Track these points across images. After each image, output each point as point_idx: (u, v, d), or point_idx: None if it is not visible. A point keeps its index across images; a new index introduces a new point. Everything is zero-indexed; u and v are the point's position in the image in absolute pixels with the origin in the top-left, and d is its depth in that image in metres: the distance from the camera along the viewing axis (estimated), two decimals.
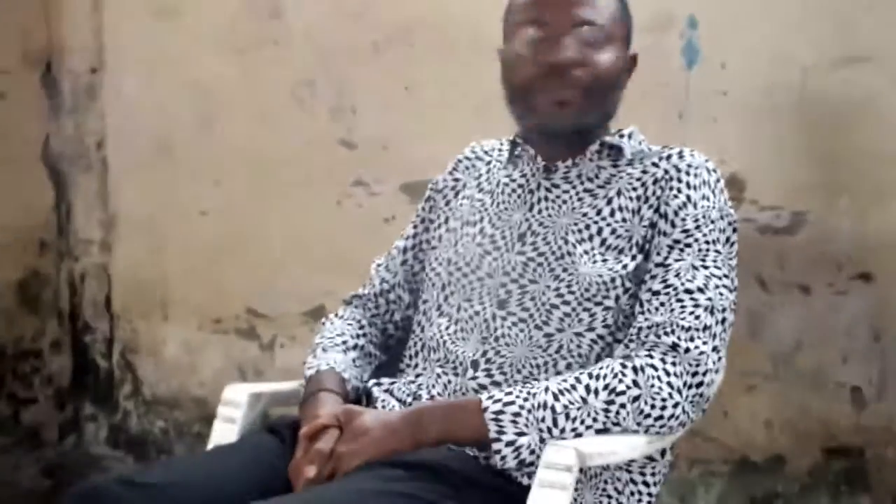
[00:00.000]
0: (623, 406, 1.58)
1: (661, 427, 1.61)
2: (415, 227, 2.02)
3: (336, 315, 2.00)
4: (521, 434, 1.55)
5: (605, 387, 1.58)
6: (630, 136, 1.84)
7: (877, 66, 2.39)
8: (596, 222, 1.73)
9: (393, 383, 1.84)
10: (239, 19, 3.13)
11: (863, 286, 2.42)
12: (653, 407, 1.59)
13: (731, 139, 2.51)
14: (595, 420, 1.57)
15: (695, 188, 1.75)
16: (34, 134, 3.43)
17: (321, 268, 2.96)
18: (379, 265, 2.03)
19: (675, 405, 1.60)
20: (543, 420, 1.56)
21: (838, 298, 2.44)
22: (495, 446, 1.55)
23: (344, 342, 1.91)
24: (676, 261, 1.68)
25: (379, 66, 2.86)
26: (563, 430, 1.56)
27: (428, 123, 2.77)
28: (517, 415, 1.56)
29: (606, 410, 1.58)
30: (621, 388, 1.58)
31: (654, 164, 1.78)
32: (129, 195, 3.42)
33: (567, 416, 1.56)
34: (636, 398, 1.58)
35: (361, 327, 1.96)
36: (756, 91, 2.50)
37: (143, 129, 3.36)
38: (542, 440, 1.55)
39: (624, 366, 1.60)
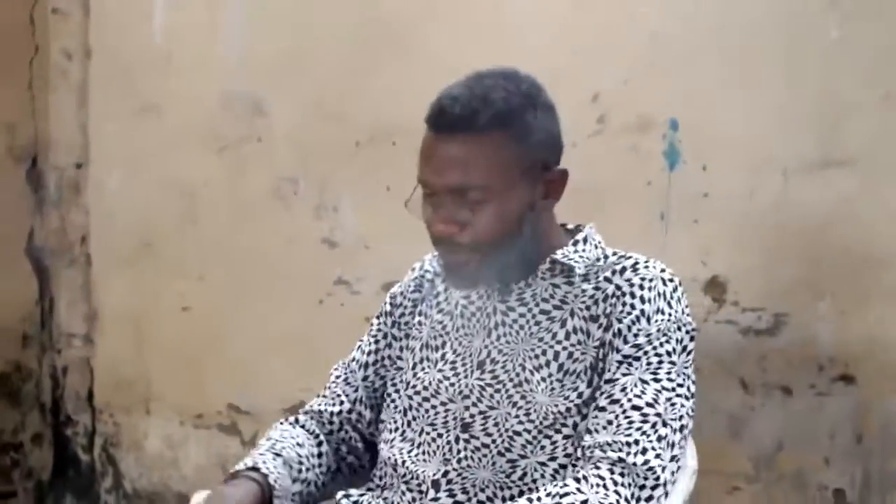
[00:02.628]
0: None
1: None
2: (376, 341, 1.96)
3: (289, 422, 1.94)
4: None
5: (549, 494, 1.53)
6: (585, 241, 1.78)
7: (855, 169, 2.40)
8: (552, 346, 1.68)
9: (362, 495, 1.81)
10: (221, 117, 3.12)
11: (844, 388, 2.42)
12: None
13: (712, 241, 2.50)
14: None
15: (649, 301, 1.69)
16: (18, 228, 3.43)
17: (302, 365, 2.93)
18: (338, 377, 1.97)
19: None
20: None
21: (820, 400, 2.43)
22: None
23: (283, 447, 1.85)
24: (624, 375, 1.61)
25: (360, 165, 2.86)
26: None
27: (409, 223, 2.73)
28: None
29: None
30: (568, 497, 1.53)
31: (607, 280, 1.72)
32: (112, 290, 3.40)
33: None
34: (584, 502, 1.52)
35: (314, 440, 1.92)
36: (737, 193, 2.51)
37: (126, 224, 3.35)
38: None
39: (573, 479, 1.56)
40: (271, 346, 3.02)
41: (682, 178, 2.53)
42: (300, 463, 1.84)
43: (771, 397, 2.45)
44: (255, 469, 1.75)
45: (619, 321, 1.66)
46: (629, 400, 1.60)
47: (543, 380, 1.57)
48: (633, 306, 1.67)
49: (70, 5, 3.38)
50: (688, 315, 1.72)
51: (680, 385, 1.65)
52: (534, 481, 1.67)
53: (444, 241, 1.70)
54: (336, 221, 2.95)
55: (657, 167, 2.53)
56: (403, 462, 1.76)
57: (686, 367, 1.68)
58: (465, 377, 1.75)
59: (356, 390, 1.94)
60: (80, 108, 3.39)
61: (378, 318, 1.97)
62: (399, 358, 1.89)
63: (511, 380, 1.70)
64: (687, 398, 1.65)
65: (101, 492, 3.40)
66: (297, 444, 1.86)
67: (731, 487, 2.47)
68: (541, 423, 1.64)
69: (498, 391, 1.71)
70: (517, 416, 1.68)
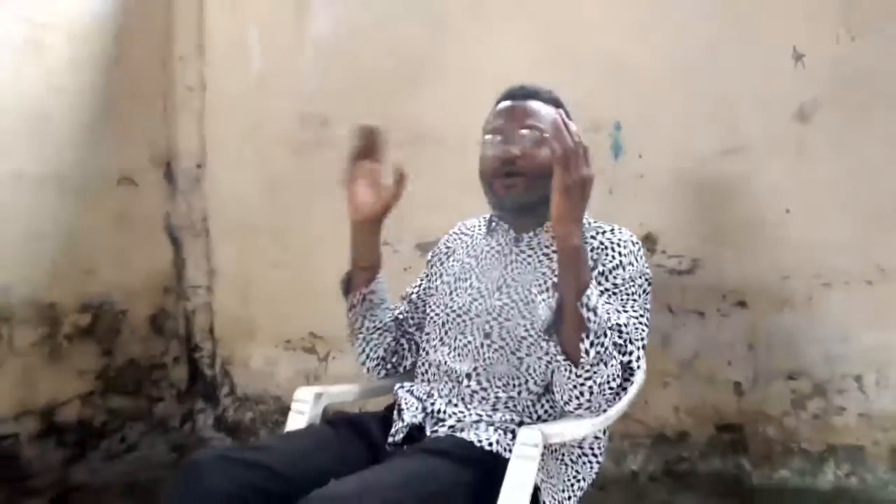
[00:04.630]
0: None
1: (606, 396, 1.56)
2: (421, 280, 2.01)
3: None
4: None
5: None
6: None
7: (748, 154, 2.41)
8: (551, 277, 1.65)
9: (413, 386, 1.82)
10: (299, 129, 3.11)
11: (740, 311, 2.45)
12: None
13: (647, 209, 2.52)
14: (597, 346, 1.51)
15: (624, 255, 1.70)
16: (158, 211, 3.41)
17: None
18: (403, 297, 2.01)
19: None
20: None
21: (724, 320, 2.47)
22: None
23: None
24: (606, 302, 1.62)
25: (399, 158, 2.84)
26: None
27: (432, 199, 2.75)
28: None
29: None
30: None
31: (593, 237, 1.73)
32: (224, 254, 3.39)
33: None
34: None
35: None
36: (664, 174, 2.53)
37: (233, 207, 3.34)
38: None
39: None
40: (337, 290, 3.01)
41: (624, 165, 2.55)
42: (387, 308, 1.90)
43: (689, 318, 2.48)
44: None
45: (603, 265, 1.67)
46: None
47: (544, 300, 1.58)
48: (612, 257, 1.68)
49: (190, 53, 3.36)
50: (647, 267, 1.74)
51: (641, 315, 1.66)
52: (535, 371, 1.69)
53: (507, 162, 1.72)
54: None
55: (606, 157, 2.55)
56: (444, 361, 1.77)
57: (646, 304, 1.69)
58: (487, 298, 1.76)
59: (411, 305, 1.97)
60: (199, 125, 3.37)
61: (426, 265, 1.99)
62: (436, 289, 1.89)
63: (521, 300, 1.72)
64: (646, 325, 1.66)
65: (220, 397, 3.42)
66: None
67: (663, 382, 2.51)
68: (540, 331, 1.63)
69: (511, 308, 1.72)
70: (524, 326, 1.69)
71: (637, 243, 1.75)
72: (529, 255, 1.78)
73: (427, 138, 2.85)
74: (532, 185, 1.73)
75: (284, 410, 3.10)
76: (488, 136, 1.77)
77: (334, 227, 3.02)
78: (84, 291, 3.14)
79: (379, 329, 1.90)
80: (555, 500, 1.62)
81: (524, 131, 1.73)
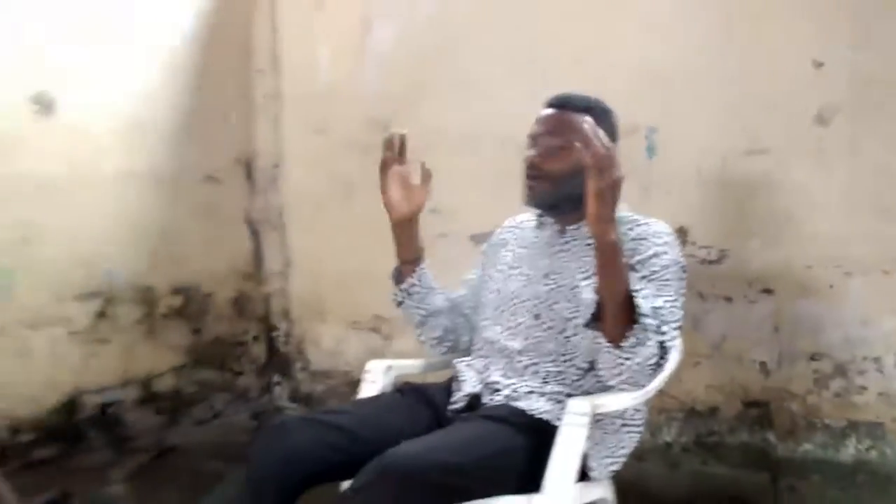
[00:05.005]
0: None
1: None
2: (478, 268, 2.06)
3: None
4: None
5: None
6: None
7: (772, 154, 2.42)
8: (593, 267, 1.69)
9: (470, 360, 1.87)
10: (365, 132, 3.15)
11: (766, 297, 2.45)
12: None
13: (679, 204, 2.54)
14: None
15: (660, 245, 1.73)
16: (240, 206, 3.48)
17: None
18: (462, 282, 2.06)
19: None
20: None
21: (750, 305, 2.47)
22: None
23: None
24: (642, 288, 1.65)
25: (454, 161, 2.88)
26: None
27: (483, 196, 2.81)
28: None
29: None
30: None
31: (631, 229, 1.76)
32: (298, 244, 3.45)
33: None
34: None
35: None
36: (694, 173, 2.53)
37: (305, 202, 3.40)
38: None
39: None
40: None
41: (658, 165, 2.57)
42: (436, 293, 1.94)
43: (718, 304, 2.50)
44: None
45: (641, 254, 1.70)
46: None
47: (587, 286, 1.60)
48: (649, 247, 1.72)
49: (267, 66, 3.42)
50: (681, 256, 1.77)
51: (676, 300, 1.69)
52: (580, 349, 1.73)
53: (531, 166, 1.77)
54: (439, 198, 2.94)
55: (641, 157, 2.57)
56: (498, 340, 1.82)
57: (680, 289, 1.72)
58: (536, 285, 1.81)
59: (467, 292, 2.02)
60: (275, 130, 3.44)
61: (482, 254, 2.04)
62: (490, 276, 1.94)
63: (566, 285, 1.76)
64: (680, 308, 1.69)
65: (295, 371, 3.48)
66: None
67: (695, 362, 2.53)
68: (584, 313, 1.66)
69: (558, 292, 1.77)
70: (569, 308, 1.74)
71: (672, 234, 1.78)
72: (574, 246, 1.82)
73: (475, 141, 2.89)
74: (553, 187, 1.77)
75: (351, 383, 3.19)
76: (527, 140, 1.83)
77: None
78: (176, 277, 3.27)
79: (432, 313, 1.95)
80: (600, 465, 1.69)
81: (552, 139, 1.77)
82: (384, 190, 1.86)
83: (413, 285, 1.91)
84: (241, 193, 3.46)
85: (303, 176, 3.39)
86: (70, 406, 3.08)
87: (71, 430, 3.08)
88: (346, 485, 1.79)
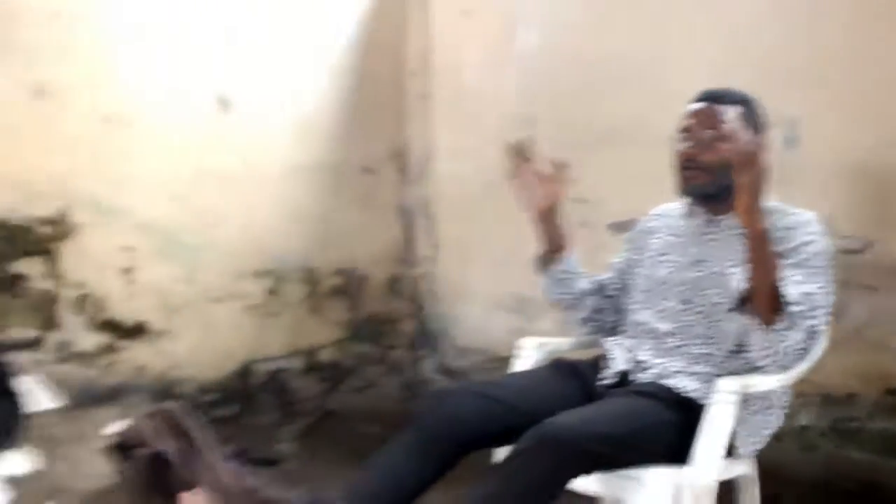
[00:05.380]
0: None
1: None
2: (624, 252, 2.02)
3: None
4: None
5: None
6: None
7: None
8: (742, 255, 1.66)
9: (619, 340, 1.86)
10: (508, 126, 3.12)
11: None
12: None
13: (820, 195, 2.42)
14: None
15: (808, 234, 1.70)
16: (394, 196, 3.54)
17: None
18: (610, 264, 2.04)
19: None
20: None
21: (893, 293, 2.36)
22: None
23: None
24: (792, 275, 1.61)
25: (596, 154, 2.86)
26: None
27: (624, 187, 2.79)
28: None
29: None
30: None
31: (780, 219, 1.71)
32: (447, 231, 3.49)
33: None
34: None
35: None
36: (837, 164, 2.43)
37: (453, 193, 3.44)
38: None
39: None
40: None
41: (800, 157, 2.48)
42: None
43: (860, 292, 2.39)
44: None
45: (791, 242, 1.66)
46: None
47: (735, 274, 1.57)
48: (798, 235, 1.68)
49: (418, 68, 3.46)
50: (830, 244, 1.72)
51: (825, 286, 1.64)
52: (728, 333, 1.70)
53: (687, 158, 1.74)
54: (585, 189, 2.91)
55: (782, 149, 2.44)
56: (648, 321, 1.81)
57: (829, 276, 1.67)
58: (685, 271, 1.79)
59: (614, 276, 2.00)
60: (426, 127, 3.48)
61: (628, 241, 2.02)
62: (639, 261, 1.92)
63: (716, 272, 1.73)
64: (830, 294, 1.65)
65: (442, 347, 3.52)
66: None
67: (834, 349, 2.34)
68: (731, 298, 1.64)
69: (707, 279, 1.74)
70: (718, 294, 1.71)
71: (820, 223, 1.73)
72: (723, 235, 1.78)
73: (618, 134, 2.86)
74: (710, 178, 1.73)
75: (494, 360, 3.23)
76: (678, 135, 1.80)
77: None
78: (337, 259, 3.38)
79: (578, 297, 1.94)
80: (745, 443, 1.65)
81: (705, 131, 1.73)
82: (517, 192, 1.87)
83: (560, 272, 1.91)
84: (394, 184, 3.52)
85: (451, 168, 3.43)
86: (245, 372, 3.26)
87: (245, 393, 3.26)
88: (500, 451, 1.83)
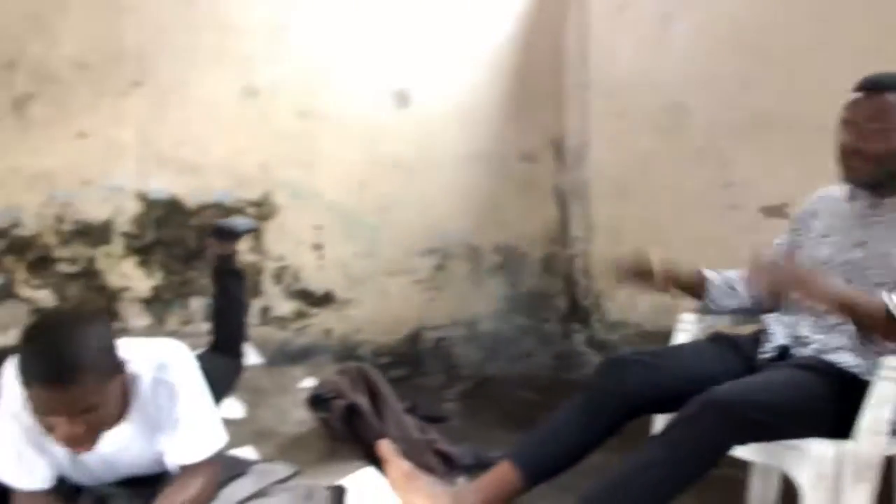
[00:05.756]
0: None
1: None
2: (788, 233, 1.94)
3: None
4: None
5: None
6: None
7: None
8: None
9: (779, 315, 1.81)
10: (661, 115, 3.11)
11: None
12: None
13: None
14: None
15: None
16: (550, 180, 3.56)
17: (713, 258, 2.87)
18: (774, 245, 1.95)
19: None
20: None
21: None
22: None
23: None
24: None
25: (746, 138, 2.80)
26: None
27: (774, 172, 2.70)
28: None
29: None
30: None
31: None
32: (600, 213, 3.48)
33: None
34: None
35: None
36: None
37: (608, 177, 3.42)
38: None
39: None
40: (687, 241, 2.92)
41: None
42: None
43: None
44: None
45: None
46: None
47: None
48: None
49: (576, 60, 3.45)
50: None
51: None
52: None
53: (852, 151, 1.67)
54: (732, 172, 2.91)
55: None
56: None
57: None
58: (848, 252, 1.72)
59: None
60: (583, 115, 3.46)
61: (792, 221, 1.95)
62: (802, 243, 1.85)
63: (877, 254, 1.67)
64: None
65: (593, 321, 3.52)
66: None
67: None
68: (893, 278, 1.58)
69: (869, 260, 1.68)
70: (880, 274, 1.65)
71: None
72: (888, 218, 1.71)
73: (771, 120, 2.76)
74: (875, 168, 1.65)
75: (642, 334, 3.20)
76: (841, 125, 1.71)
77: (692, 193, 3.06)
78: (497, 238, 3.46)
79: (739, 303, 1.89)
80: None
81: (869, 122, 1.64)
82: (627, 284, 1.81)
83: (709, 302, 1.86)
84: (551, 169, 3.54)
85: (606, 154, 3.41)
86: (414, 338, 3.41)
87: (414, 356, 3.41)
88: (660, 420, 1.84)
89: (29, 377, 1.43)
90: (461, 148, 3.33)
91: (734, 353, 1.76)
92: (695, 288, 1.84)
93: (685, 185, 3.05)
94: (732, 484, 1.95)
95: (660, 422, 1.85)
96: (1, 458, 1.61)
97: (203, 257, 2.79)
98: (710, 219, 2.94)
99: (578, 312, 3.59)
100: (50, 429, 1.47)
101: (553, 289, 3.60)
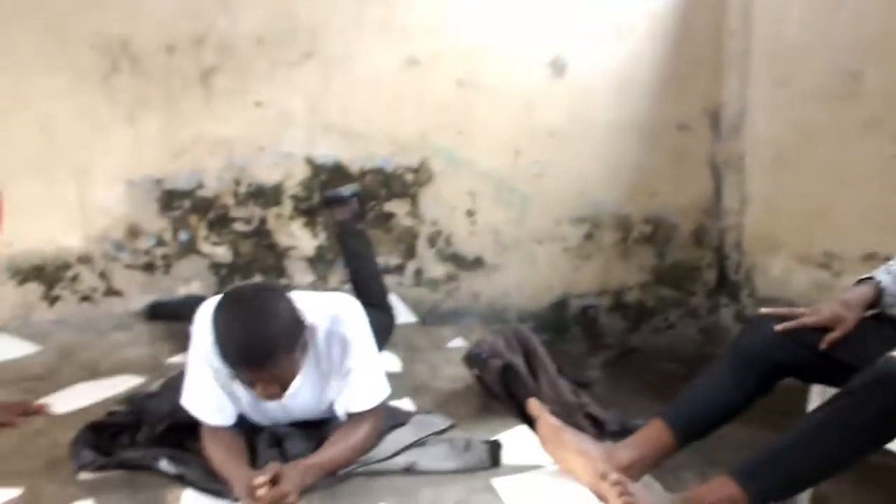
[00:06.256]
0: None
1: None
2: None
3: None
4: None
5: None
6: None
7: None
8: None
9: None
10: (829, 82, 2.93)
11: None
12: None
13: None
14: None
15: None
16: (705, 150, 3.46)
17: (879, 237, 2.74)
18: None
19: None
20: None
21: None
22: None
23: None
24: None
25: None
26: None
27: None
28: None
29: None
30: None
31: None
32: (756, 185, 3.35)
33: None
34: None
35: None
36: None
37: (766, 148, 3.28)
38: None
39: None
40: (859, 223, 2.84)
41: None
42: None
43: None
44: (870, 278, 1.71)
45: None
46: None
47: None
48: None
49: (738, 26, 3.32)
50: None
51: None
52: None
53: None
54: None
55: None
56: None
57: None
58: None
59: None
60: (742, 83, 3.33)
61: None
62: None
63: None
64: None
65: (742, 296, 3.43)
66: None
67: None
68: None
69: None
70: None
71: None
72: None
73: None
74: None
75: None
76: None
77: (859, 167, 2.88)
78: (648, 208, 3.42)
79: None
80: None
81: None
82: None
83: (885, 308, 1.73)
84: (706, 140, 3.44)
85: (765, 124, 3.26)
86: (560, 305, 3.43)
87: (560, 323, 3.44)
88: (814, 392, 1.78)
89: (231, 361, 1.59)
90: (615, 117, 3.29)
91: (892, 328, 1.66)
92: (869, 302, 1.72)
93: (852, 158, 2.88)
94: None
95: (814, 395, 1.80)
96: (194, 395, 1.78)
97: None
98: (879, 195, 2.78)
99: (727, 286, 3.50)
100: (251, 385, 1.62)
101: (702, 261, 3.53)
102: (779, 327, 1.65)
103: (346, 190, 2.75)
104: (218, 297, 1.64)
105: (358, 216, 2.76)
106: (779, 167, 3.22)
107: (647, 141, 3.35)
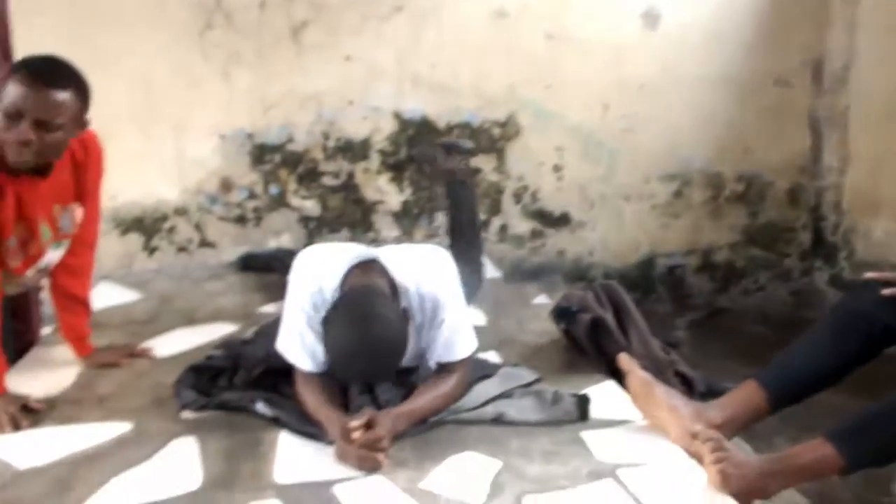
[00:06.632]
0: None
1: None
2: None
3: None
4: None
5: None
6: None
7: None
8: None
9: None
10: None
11: None
12: None
13: None
14: None
15: None
16: (804, 105, 3.30)
17: None
18: None
19: None
20: None
21: None
22: None
23: None
24: None
25: None
26: None
27: None
28: None
29: None
30: None
31: None
32: (860, 142, 3.19)
33: None
34: None
35: None
36: None
37: (874, 102, 3.08)
38: None
39: None
40: None
41: None
42: None
43: None
44: None
45: None
46: None
47: None
48: None
49: None
50: None
51: None
52: None
53: None
54: None
55: None
56: None
57: None
58: None
59: None
60: (849, 34, 3.16)
61: None
62: None
63: None
64: None
65: (839, 259, 3.30)
66: None
67: None
68: None
69: None
70: None
71: None
72: None
73: None
74: None
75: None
76: None
77: None
78: (741, 166, 3.30)
79: None
80: None
81: None
82: None
83: None
84: (806, 94, 3.28)
85: (874, 77, 3.09)
86: (647, 264, 3.36)
87: (646, 282, 3.37)
88: None
89: (350, 376, 1.69)
90: (709, 70, 3.16)
91: None
92: None
93: None
94: None
95: None
96: (290, 342, 1.82)
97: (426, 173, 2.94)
98: None
99: (823, 249, 3.37)
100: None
101: (797, 222, 3.40)
102: (886, 292, 1.58)
103: (466, 143, 2.75)
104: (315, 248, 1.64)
105: (472, 169, 2.74)
106: (886, 122, 3.04)
107: (743, 96, 3.21)
